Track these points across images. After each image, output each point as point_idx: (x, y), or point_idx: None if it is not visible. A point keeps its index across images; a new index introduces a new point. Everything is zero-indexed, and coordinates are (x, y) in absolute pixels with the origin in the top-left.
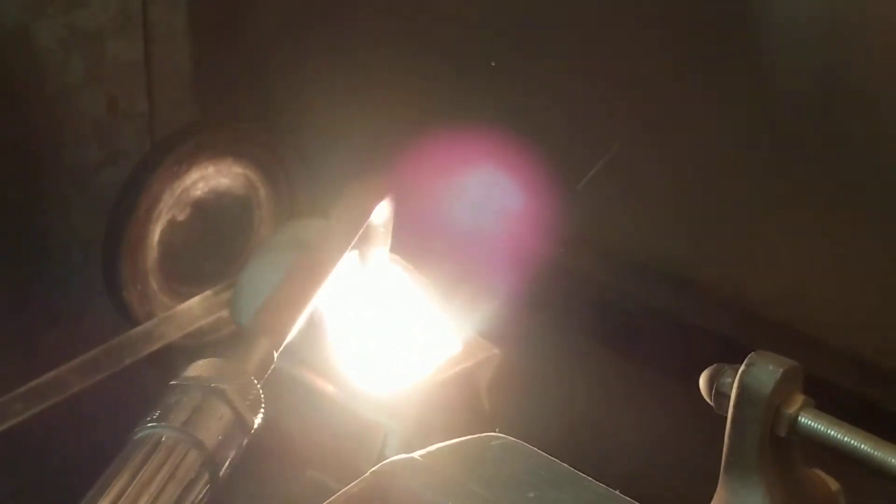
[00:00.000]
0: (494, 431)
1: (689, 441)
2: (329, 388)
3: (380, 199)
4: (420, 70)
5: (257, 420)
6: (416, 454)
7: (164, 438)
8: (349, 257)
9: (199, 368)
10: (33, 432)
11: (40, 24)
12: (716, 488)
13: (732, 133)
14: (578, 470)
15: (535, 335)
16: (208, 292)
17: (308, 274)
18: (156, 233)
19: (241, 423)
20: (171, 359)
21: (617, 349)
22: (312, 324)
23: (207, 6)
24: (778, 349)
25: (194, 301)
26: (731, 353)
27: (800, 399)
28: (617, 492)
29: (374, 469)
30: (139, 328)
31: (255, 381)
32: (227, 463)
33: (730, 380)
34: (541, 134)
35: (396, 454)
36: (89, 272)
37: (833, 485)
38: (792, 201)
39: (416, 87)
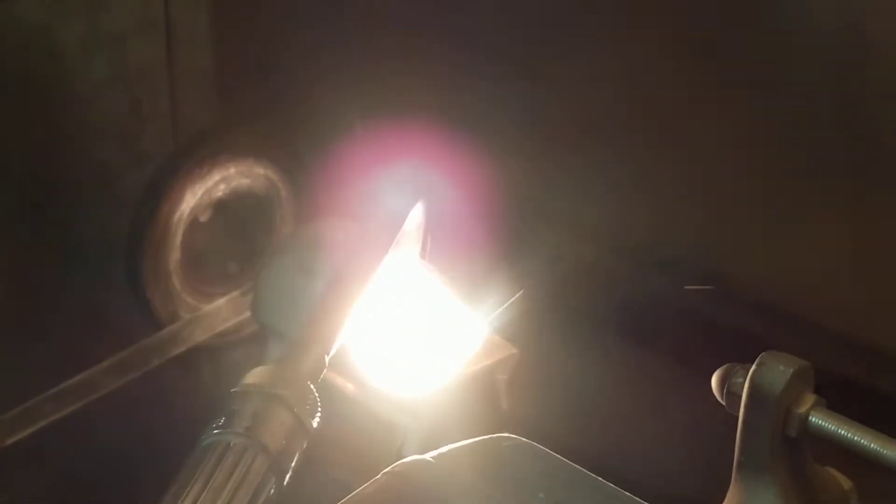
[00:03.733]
0: (512, 430)
1: (710, 438)
2: (348, 388)
3: (414, 202)
4: (444, 61)
5: (315, 423)
6: (429, 455)
7: (232, 444)
8: (388, 262)
9: (257, 375)
10: (64, 432)
11: (63, 25)
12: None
13: (754, 128)
14: (599, 468)
15: (554, 332)
16: (235, 293)
17: (351, 280)
18: (178, 234)
19: (302, 428)
20: (194, 359)
21: (637, 345)
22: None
23: (228, 6)
24: (799, 344)
25: (221, 302)
26: (753, 349)
27: (811, 399)
28: (628, 494)
29: (386, 470)
30: (167, 329)
31: (311, 386)
32: (291, 467)
33: (741, 379)
34: (552, 129)
35: (415, 454)
36: (112, 272)
37: (846, 483)
38: (814, 196)
39: (440, 78)
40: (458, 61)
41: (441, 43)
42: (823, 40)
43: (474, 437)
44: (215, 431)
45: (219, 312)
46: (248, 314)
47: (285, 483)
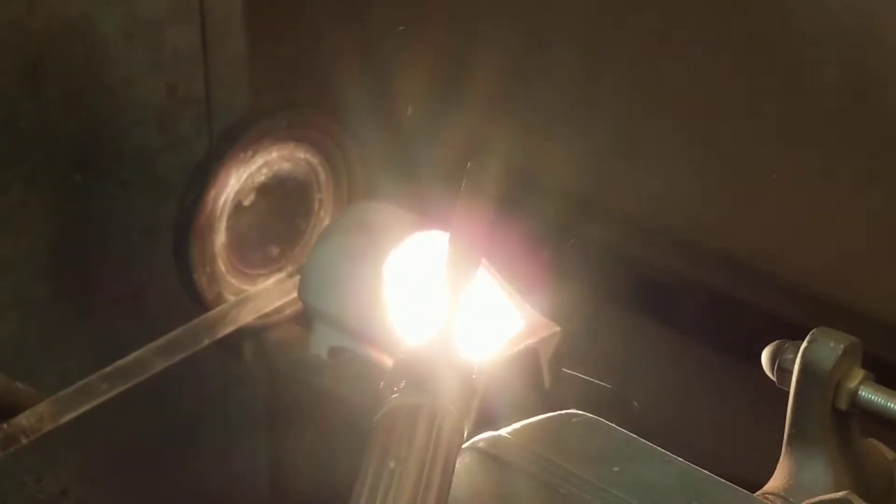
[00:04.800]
0: (560, 407)
1: (732, 410)
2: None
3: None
4: (483, 47)
5: (480, 384)
6: (503, 431)
7: (420, 405)
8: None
9: (416, 344)
10: (116, 410)
11: (102, 14)
12: (760, 455)
13: (770, 105)
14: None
15: (578, 311)
16: (282, 275)
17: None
18: (223, 218)
19: (472, 388)
20: (236, 338)
21: (658, 322)
22: (376, 302)
23: None
24: (816, 321)
25: (269, 283)
26: (771, 326)
27: (860, 373)
28: (697, 467)
29: (466, 446)
30: (216, 310)
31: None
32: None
33: (791, 356)
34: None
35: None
36: (150, 254)
37: (889, 454)
38: (830, 172)
39: (480, 63)
40: (474, 41)
41: (453, 21)
42: (839, 28)
43: (520, 414)
44: (394, 396)
45: (266, 294)
46: (294, 296)
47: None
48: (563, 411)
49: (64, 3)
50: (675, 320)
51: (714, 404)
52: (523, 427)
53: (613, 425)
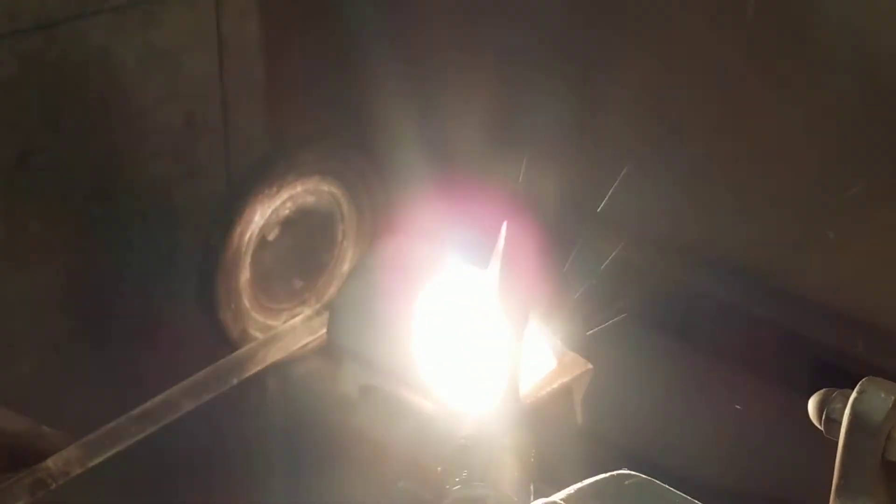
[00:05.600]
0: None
1: (758, 431)
2: (426, 405)
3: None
4: (495, 75)
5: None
6: (557, 498)
7: (485, 497)
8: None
9: (474, 427)
10: (143, 453)
11: (121, 45)
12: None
13: (791, 122)
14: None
15: (602, 331)
16: (308, 311)
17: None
18: (248, 254)
19: (529, 471)
20: (261, 374)
21: (683, 342)
22: (407, 340)
23: (278, 19)
24: (838, 338)
25: (297, 321)
26: (795, 345)
27: None
28: None
29: None
30: (244, 349)
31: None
32: None
33: (840, 405)
34: (600, 133)
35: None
36: (168, 284)
37: None
38: (860, 195)
39: (490, 92)
40: (510, 70)
41: (492, 52)
42: (859, 36)
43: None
44: (458, 486)
45: (294, 332)
46: (322, 332)
47: None
48: (615, 472)
49: (82, 36)
50: (700, 340)
51: (742, 425)
52: (577, 492)
53: (666, 486)
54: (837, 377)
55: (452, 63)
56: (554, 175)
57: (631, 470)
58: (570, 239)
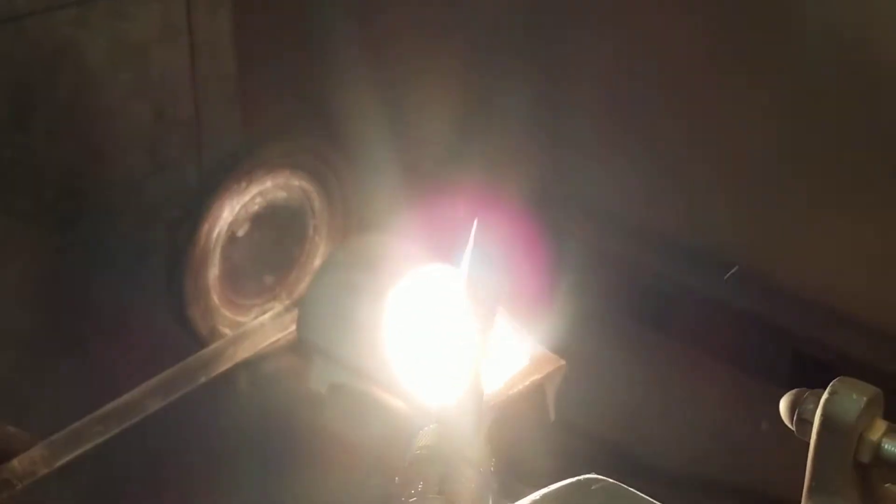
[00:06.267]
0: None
1: (737, 423)
2: (395, 403)
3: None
4: (464, 60)
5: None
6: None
7: None
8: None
9: (432, 437)
10: (109, 453)
11: (89, 39)
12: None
13: (786, 119)
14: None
15: (581, 321)
16: (278, 306)
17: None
18: (216, 251)
19: (487, 482)
20: (231, 371)
21: (660, 333)
22: (376, 337)
23: (250, 12)
24: (816, 330)
25: (266, 318)
26: (774, 336)
27: (882, 425)
28: None
29: None
30: (212, 347)
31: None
32: None
33: (812, 406)
34: (578, 120)
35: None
36: (139, 280)
37: None
38: (839, 186)
39: (460, 82)
40: (477, 60)
41: (460, 42)
42: (842, 38)
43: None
44: (413, 500)
45: (263, 329)
46: (292, 329)
47: None
48: (581, 477)
49: (50, 31)
50: (681, 332)
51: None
52: (542, 498)
53: (633, 490)
54: (816, 370)
55: (420, 59)
56: (521, 163)
57: (607, 464)
58: (542, 229)
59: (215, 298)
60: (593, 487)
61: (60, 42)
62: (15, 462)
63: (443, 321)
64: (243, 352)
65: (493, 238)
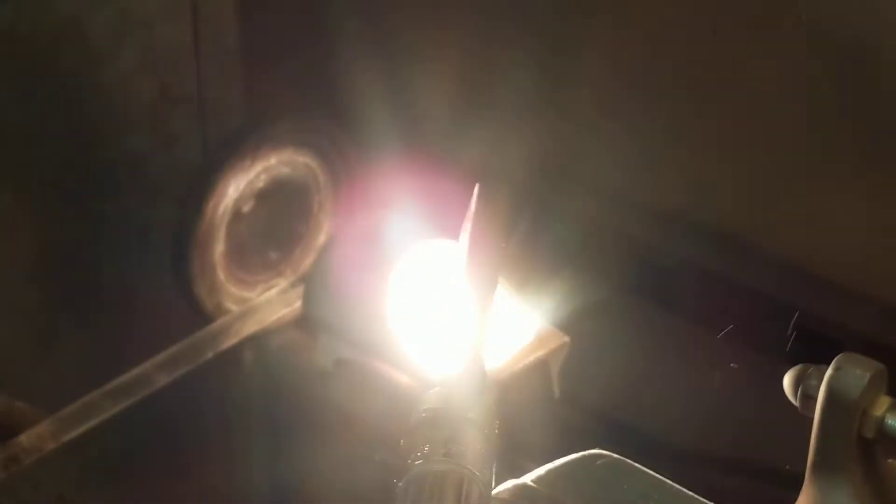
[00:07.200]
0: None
1: (739, 398)
2: (402, 378)
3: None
4: (466, 35)
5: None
6: (527, 479)
7: (447, 472)
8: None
9: (436, 400)
10: (118, 427)
11: (91, 14)
12: (758, 437)
13: (785, 92)
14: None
15: (584, 297)
16: (283, 282)
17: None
18: (222, 227)
19: (492, 446)
20: (237, 346)
21: (663, 309)
22: (381, 313)
23: None
24: (826, 308)
25: (272, 293)
26: (777, 311)
27: (886, 401)
28: None
29: (493, 495)
30: (218, 322)
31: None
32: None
33: (815, 382)
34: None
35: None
36: (143, 255)
37: None
38: (846, 160)
39: (462, 54)
40: (481, 30)
41: (463, 14)
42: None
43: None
44: (419, 462)
45: (269, 304)
46: (297, 304)
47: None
48: (586, 452)
49: (52, 6)
50: (681, 306)
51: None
52: (547, 473)
53: (637, 465)
54: (820, 345)
55: (422, 31)
56: (523, 137)
57: (611, 440)
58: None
59: (221, 275)
60: (598, 463)
61: (63, 19)
62: (22, 437)
63: (447, 296)
64: (249, 327)
65: (492, 210)
